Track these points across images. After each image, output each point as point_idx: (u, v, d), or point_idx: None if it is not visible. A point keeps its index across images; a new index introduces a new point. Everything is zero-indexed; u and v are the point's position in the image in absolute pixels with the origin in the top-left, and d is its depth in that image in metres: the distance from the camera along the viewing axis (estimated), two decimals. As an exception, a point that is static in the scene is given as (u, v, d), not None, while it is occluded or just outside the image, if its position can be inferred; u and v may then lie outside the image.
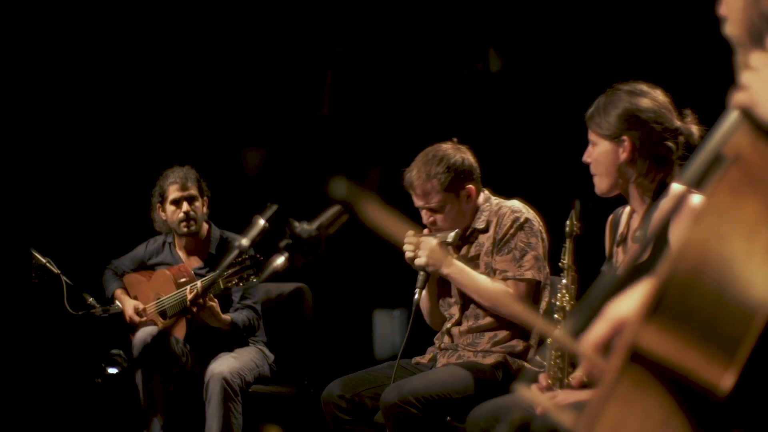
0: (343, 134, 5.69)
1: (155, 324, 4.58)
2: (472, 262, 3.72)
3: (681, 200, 1.52)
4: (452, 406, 3.56)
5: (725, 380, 1.19)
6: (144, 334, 4.43)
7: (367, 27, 5.60)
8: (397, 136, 5.44)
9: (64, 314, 4.67)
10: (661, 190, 2.95)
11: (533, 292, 3.67)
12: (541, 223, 3.73)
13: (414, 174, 3.68)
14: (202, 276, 4.62)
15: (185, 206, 4.63)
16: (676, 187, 2.92)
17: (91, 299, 4.73)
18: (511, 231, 3.67)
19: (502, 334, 3.73)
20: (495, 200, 3.78)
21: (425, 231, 3.74)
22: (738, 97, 1.31)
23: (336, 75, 5.78)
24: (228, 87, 5.74)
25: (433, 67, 5.48)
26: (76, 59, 5.55)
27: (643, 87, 2.98)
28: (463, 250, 3.77)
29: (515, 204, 3.75)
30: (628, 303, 1.36)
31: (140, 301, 4.71)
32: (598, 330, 1.37)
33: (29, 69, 5.46)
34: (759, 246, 1.22)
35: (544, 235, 3.71)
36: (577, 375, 2.97)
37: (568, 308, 3.02)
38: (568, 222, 3.04)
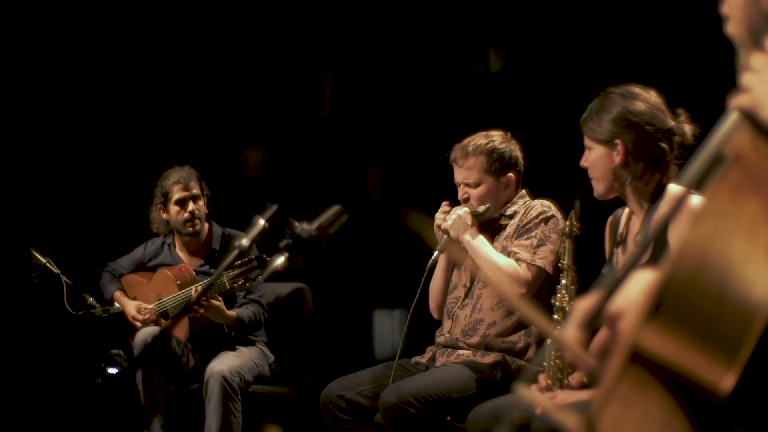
0: (343, 134, 5.69)
1: (157, 324, 4.58)
2: (492, 242, 3.78)
3: (680, 201, 1.52)
4: (451, 406, 3.57)
5: (726, 381, 1.19)
6: (145, 334, 4.43)
7: (367, 27, 5.60)
8: (397, 136, 5.45)
9: (64, 314, 4.67)
10: (658, 191, 2.96)
11: (540, 282, 3.69)
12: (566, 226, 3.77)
13: (461, 149, 3.81)
14: (203, 275, 4.62)
15: (190, 206, 4.63)
16: (674, 188, 2.92)
17: (91, 299, 4.72)
18: (536, 221, 3.75)
19: (504, 324, 3.75)
20: (529, 199, 3.87)
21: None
22: (739, 99, 1.31)
23: (336, 75, 5.78)
24: (228, 87, 5.74)
25: (433, 67, 5.49)
26: (76, 59, 5.55)
27: (636, 89, 2.98)
28: (487, 232, 3.80)
29: (546, 202, 3.83)
30: (626, 293, 1.35)
31: (141, 301, 4.70)
32: (629, 295, 1.35)
33: (29, 69, 5.45)
34: (759, 246, 1.22)
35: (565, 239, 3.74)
36: (577, 375, 2.98)
37: (567, 308, 3.02)
38: (567, 222, 3.05)
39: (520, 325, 3.76)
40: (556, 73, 5.08)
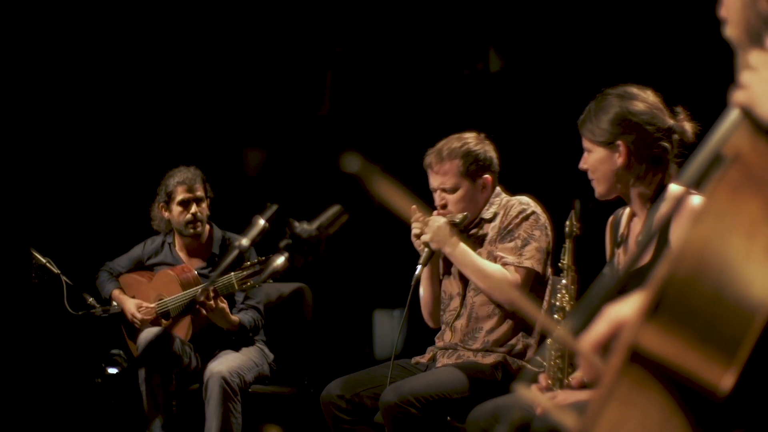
0: (343, 134, 5.68)
1: (158, 324, 4.58)
2: (476, 249, 3.75)
3: (681, 201, 1.52)
4: (452, 406, 3.56)
5: (725, 380, 1.19)
6: (148, 334, 4.43)
7: (367, 27, 5.60)
8: (397, 136, 5.45)
9: (64, 314, 4.67)
10: (659, 191, 2.95)
11: (531, 282, 3.68)
12: (547, 219, 3.75)
13: (435, 154, 3.75)
14: (203, 277, 4.62)
15: (193, 208, 4.62)
16: (674, 188, 2.92)
17: (91, 299, 4.72)
18: (516, 221, 3.72)
19: (502, 329, 3.74)
20: (505, 196, 3.83)
21: (434, 213, 3.77)
22: (737, 97, 1.31)
23: (336, 75, 5.78)
24: (228, 87, 5.74)
25: (433, 67, 5.48)
26: (77, 59, 5.55)
27: (633, 89, 2.97)
28: (469, 238, 3.79)
29: (523, 198, 3.81)
30: (628, 305, 1.36)
31: (140, 300, 4.70)
32: (598, 330, 1.37)
33: (30, 69, 5.46)
34: (759, 246, 1.22)
35: (549, 233, 3.74)
36: (577, 375, 2.98)
37: (568, 308, 3.02)
38: (568, 222, 3.04)
39: (518, 328, 3.75)
40: (555, 73, 5.08)
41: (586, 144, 3.00)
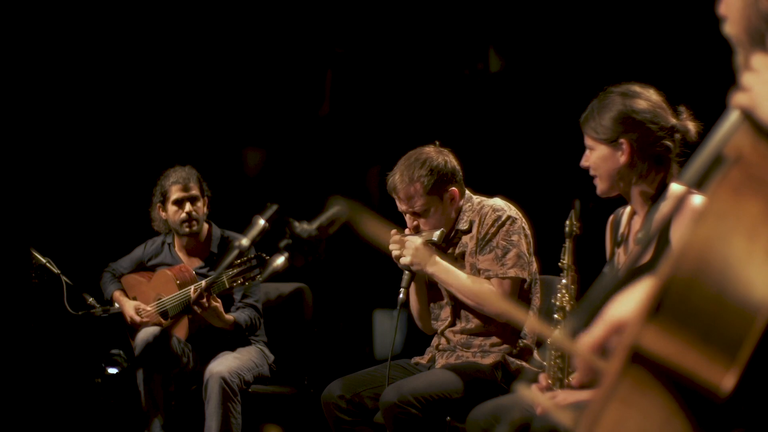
0: (343, 134, 5.69)
1: (157, 324, 4.59)
2: (457, 262, 3.72)
3: (682, 201, 1.52)
4: (452, 406, 3.56)
5: (726, 381, 1.19)
6: (146, 334, 4.43)
7: (367, 27, 5.60)
8: (398, 136, 5.44)
9: (64, 314, 4.67)
10: (661, 190, 2.95)
11: (518, 290, 3.67)
12: (524, 220, 3.71)
13: (397, 178, 3.68)
14: (203, 276, 4.62)
15: (188, 207, 4.63)
16: (675, 188, 2.91)
17: (91, 299, 4.72)
18: (492, 230, 3.66)
19: (498, 334, 3.73)
20: (477, 199, 3.78)
21: (406, 231, 3.73)
22: (739, 98, 1.31)
23: (336, 75, 5.78)
24: (228, 87, 5.74)
25: (433, 67, 5.48)
26: (76, 59, 5.55)
27: (636, 88, 2.97)
28: (448, 252, 3.76)
29: (497, 202, 3.75)
30: (627, 304, 1.36)
31: (140, 301, 4.70)
32: (595, 332, 1.36)
33: (29, 69, 5.45)
34: (760, 247, 1.22)
35: (528, 232, 3.70)
36: (577, 372, 2.97)
37: (568, 308, 3.02)
38: (567, 222, 3.03)
39: (516, 330, 3.74)
40: (555, 73, 5.08)
41: (588, 142, 3.00)
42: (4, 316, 5.17)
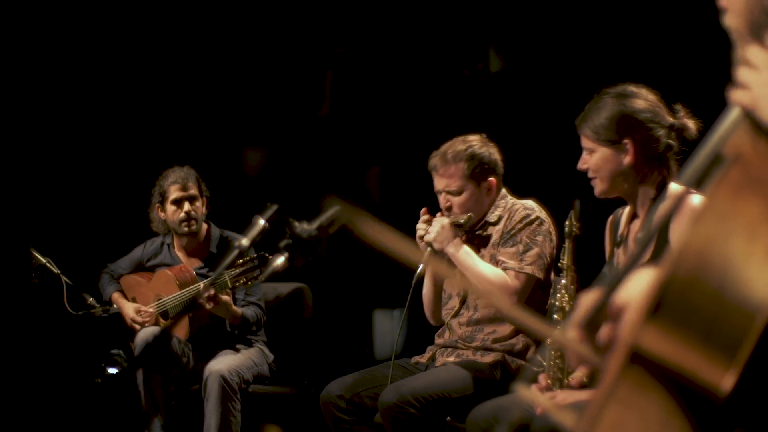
0: (343, 134, 5.68)
1: (157, 324, 4.59)
2: (479, 251, 3.75)
3: (681, 200, 1.52)
4: (451, 406, 3.56)
5: (726, 381, 1.19)
6: (146, 334, 4.43)
7: (367, 27, 5.60)
8: (397, 136, 5.45)
9: (64, 314, 4.67)
10: (661, 189, 2.95)
11: (531, 288, 3.67)
12: (552, 225, 3.74)
13: (440, 157, 3.74)
14: (202, 276, 4.62)
15: (186, 206, 4.63)
16: (675, 187, 2.91)
17: (91, 299, 4.72)
18: (519, 225, 3.71)
19: (503, 330, 3.74)
20: (510, 199, 3.83)
21: (438, 215, 3.77)
22: (738, 96, 1.30)
23: (336, 75, 5.78)
24: (228, 87, 5.74)
25: (433, 67, 5.48)
26: (76, 59, 5.55)
27: (631, 88, 2.97)
28: (473, 239, 3.79)
29: (529, 203, 3.80)
30: (633, 287, 1.34)
31: (140, 301, 4.70)
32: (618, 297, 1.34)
33: (29, 69, 5.45)
34: (760, 247, 1.22)
35: (553, 238, 3.72)
36: (577, 375, 2.97)
37: (567, 308, 3.02)
38: (567, 222, 3.03)
39: (518, 330, 3.75)
40: (556, 73, 5.08)
41: (587, 144, 2.99)
42: (4, 316, 5.17)
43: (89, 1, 5.55)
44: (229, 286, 4.34)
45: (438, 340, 3.90)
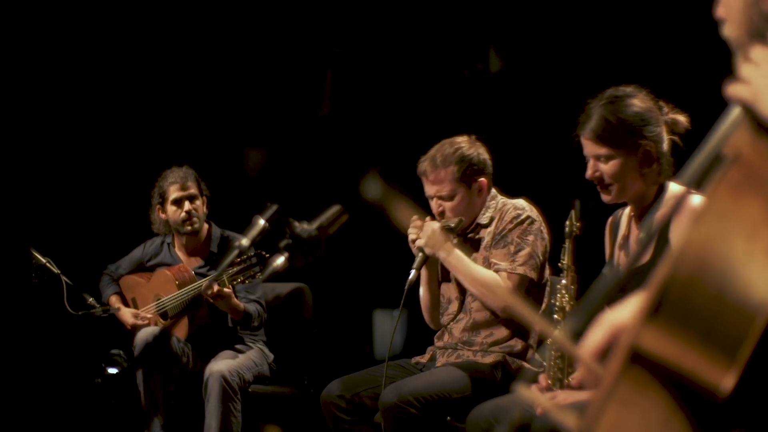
0: (343, 134, 5.68)
1: (156, 325, 4.59)
2: (472, 254, 3.74)
3: (681, 200, 1.52)
4: (451, 406, 3.56)
5: (726, 381, 1.19)
6: (146, 334, 4.43)
7: (367, 27, 5.60)
8: (397, 136, 5.44)
9: (64, 314, 4.67)
10: (660, 189, 2.94)
11: (524, 289, 3.67)
12: (543, 224, 3.74)
13: (429, 161, 3.73)
14: (202, 276, 4.62)
15: (187, 205, 4.63)
16: (674, 187, 2.91)
17: (91, 299, 4.72)
18: (510, 226, 3.70)
19: (500, 333, 3.74)
20: (501, 198, 3.81)
21: (428, 218, 3.76)
22: (738, 91, 1.30)
23: (336, 75, 5.78)
24: (228, 87, 5.74)
25: (433, 67, 5.48)
26: (76, 60, 5.55)
27: (628, 89, 2.95)
28: (465, 243, 3.78)
29: (519, 202, 3.79)
30: (625, 310, 1.35)
31: (139, 302, 4.71)
32: (595, 337, 1.36)
33: (29, 69, 5.45)
34: (760, 247, 1.22)
35: (545, 236, 3.72)
36: (577, 375, 2.97)
37: (567, 308, 3.02)
38: (567, 222, 3.03)
39: (516, 331, 3.74)
40: (556, 73, 5.08)
41: (599, 150, 2.92)
42: (4, 316, 5.17)
43: (89, 2, 5.55)
44: (227, 284, 4.33)
45: (438, 343, 3.90)
